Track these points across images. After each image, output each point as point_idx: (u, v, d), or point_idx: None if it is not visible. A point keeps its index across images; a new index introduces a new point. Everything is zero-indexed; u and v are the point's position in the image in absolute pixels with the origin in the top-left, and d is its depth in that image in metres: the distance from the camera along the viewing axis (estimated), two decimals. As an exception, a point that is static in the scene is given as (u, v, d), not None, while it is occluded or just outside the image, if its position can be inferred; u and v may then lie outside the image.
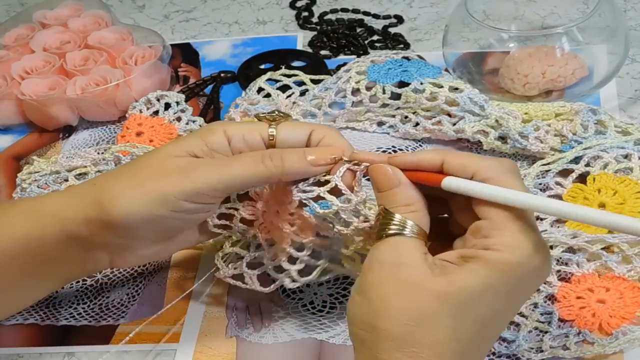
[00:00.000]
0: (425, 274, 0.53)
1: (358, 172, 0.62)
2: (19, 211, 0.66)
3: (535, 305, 0.67)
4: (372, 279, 0.54)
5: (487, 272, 0.52)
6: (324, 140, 0.64)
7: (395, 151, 0.85)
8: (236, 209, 0.67)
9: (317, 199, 0.62)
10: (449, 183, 0.55)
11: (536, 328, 0.66)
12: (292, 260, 0.67)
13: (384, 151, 0.85)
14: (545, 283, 0.68)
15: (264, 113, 0.66)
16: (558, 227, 0.74)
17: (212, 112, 0.95)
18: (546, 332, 0.66)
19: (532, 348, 0.65)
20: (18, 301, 0.71)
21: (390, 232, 0.55)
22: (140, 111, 0.93)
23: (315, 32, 1.04)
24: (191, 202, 0.62)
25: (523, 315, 0.67)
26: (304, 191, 0.63)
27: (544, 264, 0.54)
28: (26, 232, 0.64)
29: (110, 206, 0.62)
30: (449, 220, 0.60)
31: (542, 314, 0.67)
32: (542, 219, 0.74)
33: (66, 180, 0.84)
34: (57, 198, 0.66)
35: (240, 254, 0.70)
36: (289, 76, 0.94)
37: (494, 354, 0.66)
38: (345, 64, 0.92)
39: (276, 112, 0.66)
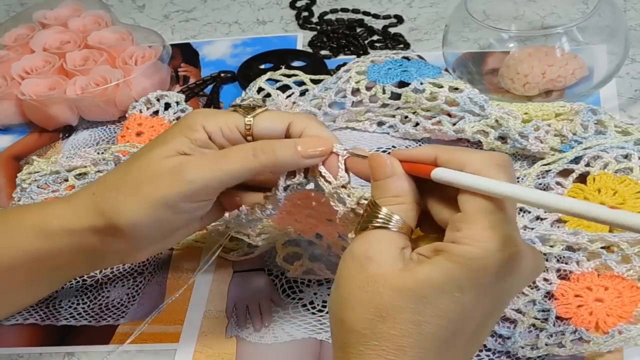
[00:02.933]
0: (391, 268, 0.53)
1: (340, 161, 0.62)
2: (25, 228, 0.66)
3: (534, 302, 0.68)
4: (344, 272, 0.55)
5: (449, 264, 0.52)
6: (306, 131, 0.63)
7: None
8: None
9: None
10: (438, 174, 0.56)
11: (533, 325, 0.66)
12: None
13: (383, 151, 0.85)
14: (544, 280, 0.69)
15: (239, 104, 0.66)
16: (558, 226, 0.74)
17: (212, 112, 0.95)
18: (542, 330, 0.66)
19: (528, 345, 0.65)
20: (22, 302, 0.72)
21: (369, 225, 0.55)
22: (140, 111, 0.93)
23: (315, 32, 1.04)
24: (190, 202, 0.63)
25: (520, 312, 0.67)
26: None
27: (516, 261, 0.53)
28: (36, 248, 0.66)
29: (115, 219, 0.63)
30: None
31: (539, 311, 0.67)
32: (542, 219, 0.74)
33: (66, 180, 0.84)
34: (61, 212, 0.66)
35: (298, 252, 0.73)
36: (289, 76, 0.94)
37: (489, 350, 0.66)
38: (345, 64, 0.92)
39: (251, 101, 0.66)
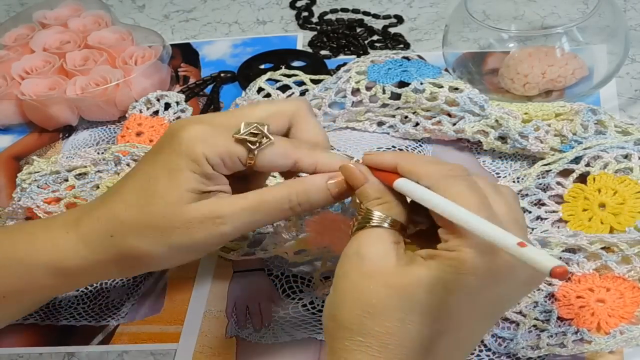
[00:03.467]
0: (383, 265, 0.54)
1: None
2: (40, 267, 0.65)
3: (536, 303, 0.68)
4: (339, 272, 0.56)
5: (439, 266, 0.53)
6: (319, 167, 0.62)
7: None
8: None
9: None
10: (400, 185, 0.57)
11: (535, 326, 0.66)
12: None
13: (384, 151, 0.85)
14: (545, 282, 0.69)
15: (243, 132, 0.61)
16: (559, 226, 0.74)
17: (212, 112, 0.95)
18: (544, 330, 0.66)
19: (531, 346, 0.65)
20: (23, 311, 0.72)
21: (360, 226, 0.57)
22: (140, 111, 0.93)
23: (315, 32, 1.04)
24: (215, 247, 0.65)
25: (522, 314, 0.67)
26: None
27: (506, 267, 0.54)
28: (54, 285, 0.66)
29: (139, 263, 0.64)
30: None
31: (541, 312, 0.67)
32: (543, 219, 0.74)
33: (66, 180, 0.84)
34: (78, 249, 0.64)
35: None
36: (289, 76, 0.94)
37: (493, 353, 0.66)
38: (345, 64, 0.92)
39: (254, 129, 0.61)
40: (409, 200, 0.58)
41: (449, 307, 0.53)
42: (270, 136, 0.61)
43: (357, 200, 0.59)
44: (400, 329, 0.53)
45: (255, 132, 0.61)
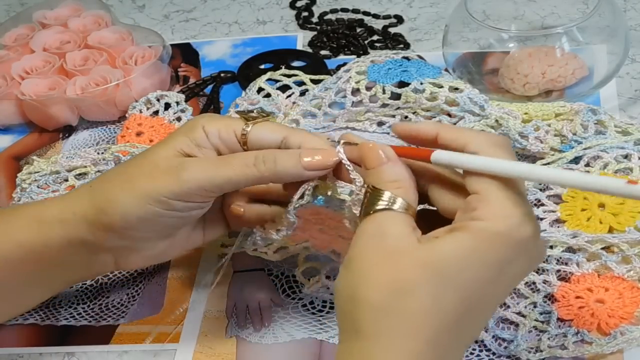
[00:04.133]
0: (409, 243, 0.53)
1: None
2: (20, 218, 0.66)
3: (535, 304, 0.68)
4: (356, 251, 0.54)
5: (472, 239, 0.52)
6: (304, 145, 0.63)
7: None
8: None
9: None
10: (439, 156, 0.55)
11: (535, 327, 0.66)
12: None
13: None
14: (544, 282, 0.69)
15: (247, 111, 0.66)
16: (558, 226, 0.74)
17: (212, 112, 0.95)
18: (544, 332, 0.66)
19: (531, 348, 0.65)
20: (22, 304, 0.71)
21: (378, 207, 0.55)
22: (140, 111, 0.93)
23: (315, 32, 1.04)
24: (182, 202, 0.63)
25: (522, 315, 0.67)
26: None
27: (535, 238, 0.53)
28: (30, 239, 0.65)
29: (106, 208, 0.63)
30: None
31: (540, 314, 0.67)
32: (541, 219, 0.74)
33: (66, 180, 0.84)
34: (57, 203, 0.67)
35: (317, 267, 0.72)
36: (289, 76, 0.94)
37: (493, 353, 0.66)
38: (345, 64, 0.92)
39: (259, 111, 0.66)
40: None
41: (481, 281, 0.52)
42: (270, 116, 0.65)
43: (357, 184, 0.59)
44: (434, 306, 0.51)
45: (257, 114, 0.64)
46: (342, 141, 0.61)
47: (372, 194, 0.56)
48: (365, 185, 0.57)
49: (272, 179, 0.62)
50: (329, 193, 0.63)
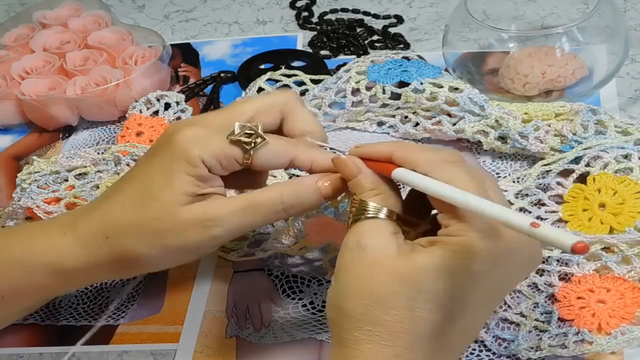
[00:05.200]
0: (386, 254, 0.55)
1: None
2: (38, 268, 0.65)
3: (536, 304, 0.68)
4: (341, 263, 0.56)
5: (443, 252, 0.54)
6: (315, 165, 0.63)
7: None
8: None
9: None
10: (398, 174, 0.57)
11: (535, 327, 0.66)
12: None
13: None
14: (545, 283, 0.69)
15: (237, 134, 0.62)
16: (558, 226, 0.74)
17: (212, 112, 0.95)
18: (545, 332, 0.66)
19: (532, 347, 0.65)
20: (22, 311, 0.71)
21: (356, 217, 0.57)
22: (140, 111, 0.93)
23: (315, 32, 1.04)
24: (208, 249, 0.64)
25: (523, 315, 0.67)
26: None
27: (508, 250, 0.55)
28: (51, 285, 0.66)
29: (133, 264, 0.63)
30: None
31: (541, 314, 0.67)
32: (543, 219, 0.74)
33: (66, 180, 0.84)
34: (74, 250, 0.64)
35: None
36: (289, 76, 0.94)
37: (493, 353, 0.66)
38: (345, 64, 0.92)
39: (248, 129, 0.62)
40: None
41: (455, 292, 0.54)
42: (264, 136, 0.62)
43: (351, 193, 0.59)
44: (409, 317, 0.53)
45: (250, 132, 0.62)
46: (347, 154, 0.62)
47: (356, 205, 0.58)
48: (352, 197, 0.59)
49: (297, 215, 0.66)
50: (339, 206, 0.64)
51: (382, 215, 0.57)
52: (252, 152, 0.62)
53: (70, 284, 0.68)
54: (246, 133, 0.62)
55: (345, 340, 0.55)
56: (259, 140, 0.62)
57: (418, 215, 0.60)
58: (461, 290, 0.54)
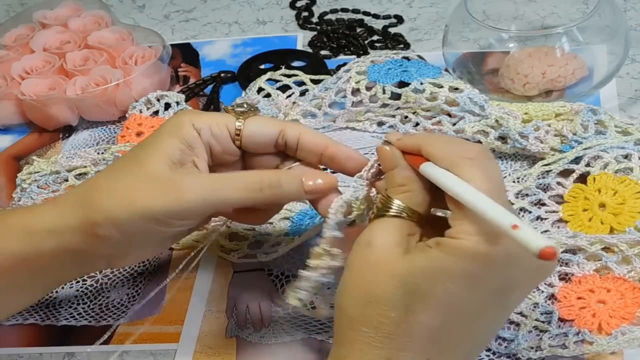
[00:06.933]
0: (389, 255, 0.54)
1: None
2: (9, 229, 0.64)
3: (536, 305, 0.68)
4: (349, 260, 0.56)
5: (443, 255, 0.52)
6: (301, 138, 0.64)
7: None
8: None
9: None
10: (425, 169, 0.56)
11: (536, 327, 0.66)
12: None
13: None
14: (546, 283, 0.69)
15: (232, 106, 0.65)
16: (558, 227, 0.74)
17: (211, 112, 0.95)
18: (545, 332, 0.66)
19: (532, 347, 0.65)
20: (14, 305, 0.70)
21: (379, 214, 0.56)
22: (140, 111, 0.93)
23: (315, 32, 1.04)
24: (181, 219, 0.62)
25: (523, 315, 0.67)
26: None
27: (510, 255, 0.53)
28: (21, 249, 0.64)
29: (101, 222, 0.61)
30: None
31: (542, 314, 0.67)
32: (543, 219, 0.74)
33: (66, 180, 0.84)
34: (46, 211, 0.64)
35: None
36: (289, 76, 0.94)
37: (493, 353, 0.66)
38: (345, 64, 0.92)
39: (245, 106, 0.65)
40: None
41: (452, 296, 0.53)
42: (257, 110, 0.64)
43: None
44: (404, 319, 0.52)
45: (244, 108, 0.63)
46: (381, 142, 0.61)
47: (383, 200, 0.57)
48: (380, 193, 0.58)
49: (275, 201, 0.64)
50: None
51: (399, 213, 0.56)
52: (244, 121, 0.63)
53: (38, 250, 0.64)
54: (241, 105, 0.64)
55: (340, 339, 0.55)
56: (251, 111, 0.63)
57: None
58: (459, 294, 0.53)
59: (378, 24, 1.04)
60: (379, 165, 0.61)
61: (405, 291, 0.53)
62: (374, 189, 0.62)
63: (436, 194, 0.57)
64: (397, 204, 0.56)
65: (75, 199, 0.63)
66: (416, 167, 0.57)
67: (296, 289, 0.61)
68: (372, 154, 0.62)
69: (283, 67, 0.97)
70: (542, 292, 0.68)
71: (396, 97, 0.86)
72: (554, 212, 0.75)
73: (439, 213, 0.58)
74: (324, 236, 0.60)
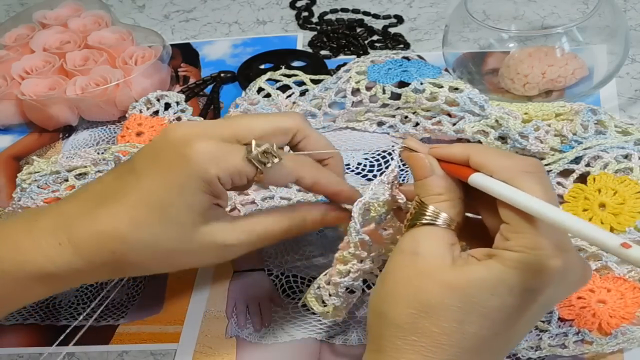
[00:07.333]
0: (440, 264, 0.53)
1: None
2: (33, 281, 0.63)
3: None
4: (390, 266, 0.55)
5: (502, 268, 0.52)
6: (316, 184, 0.65)
7: (394, 151, 0.85)
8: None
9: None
10: (476, 179, 0.55)
11: (535, 327, 0.66)
12: None
13: (384, 151, 0.85)
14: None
15: (255, 153, 0.61)
16: (558, 227, 0.74)
17: (212, 112, 0.95)
18: (545, 331, 0.66)
19: (532, 347, 0.65)
20: (11, 311, 0.71)
21: (417, 222, 0.56)
22: (140, 111, 0.93)
23: (315, 32, 1.04)
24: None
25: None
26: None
27: (570, 269, 0.53)
28: (45, 293, 0.66)
29: (136, 272, 0.67)
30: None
31: (542, 314, 0.67)
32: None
33: (66, 180, 0.84)
34: (72, 265, 0.62)
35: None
36: (289, 76, 0.94)
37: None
38: (345, 64, 0.92)
39: (267, 149, 0.61)
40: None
41: (508, 308, 0.52)
42: (280, 156, 0.62)
43: (400, 201, 0.60)
44: (458, 330, 0.52)
45: (267, 152, 0.62)
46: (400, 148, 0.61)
47: (417, 207, 0.56)
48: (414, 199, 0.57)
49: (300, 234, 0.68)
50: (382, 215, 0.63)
51: (442, 223, 0.55)
52: (264, 171, 0.62)
53: (63, 287, 0.67)
54: (263, 152, 0.61)
55: (383, 347, 0.54)
56: (275, 160, 0.62)
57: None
58: (516, 307, 0.53)
59: (378, 24, 1.04)
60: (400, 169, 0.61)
61: (461, 303, 0.52)
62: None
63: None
64: (435, 212, 0.56)
65: (105, 250, 0.61)
66: (456, 176, 0.57)
67: (322, 295, 0.62)
68: (384, 156, 0.61)
69: (283, 67, 0.97)
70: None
71: (396, 97, 0.86)
72: (554, 212, 0.75)
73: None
74: (351, 241, 0.60)
